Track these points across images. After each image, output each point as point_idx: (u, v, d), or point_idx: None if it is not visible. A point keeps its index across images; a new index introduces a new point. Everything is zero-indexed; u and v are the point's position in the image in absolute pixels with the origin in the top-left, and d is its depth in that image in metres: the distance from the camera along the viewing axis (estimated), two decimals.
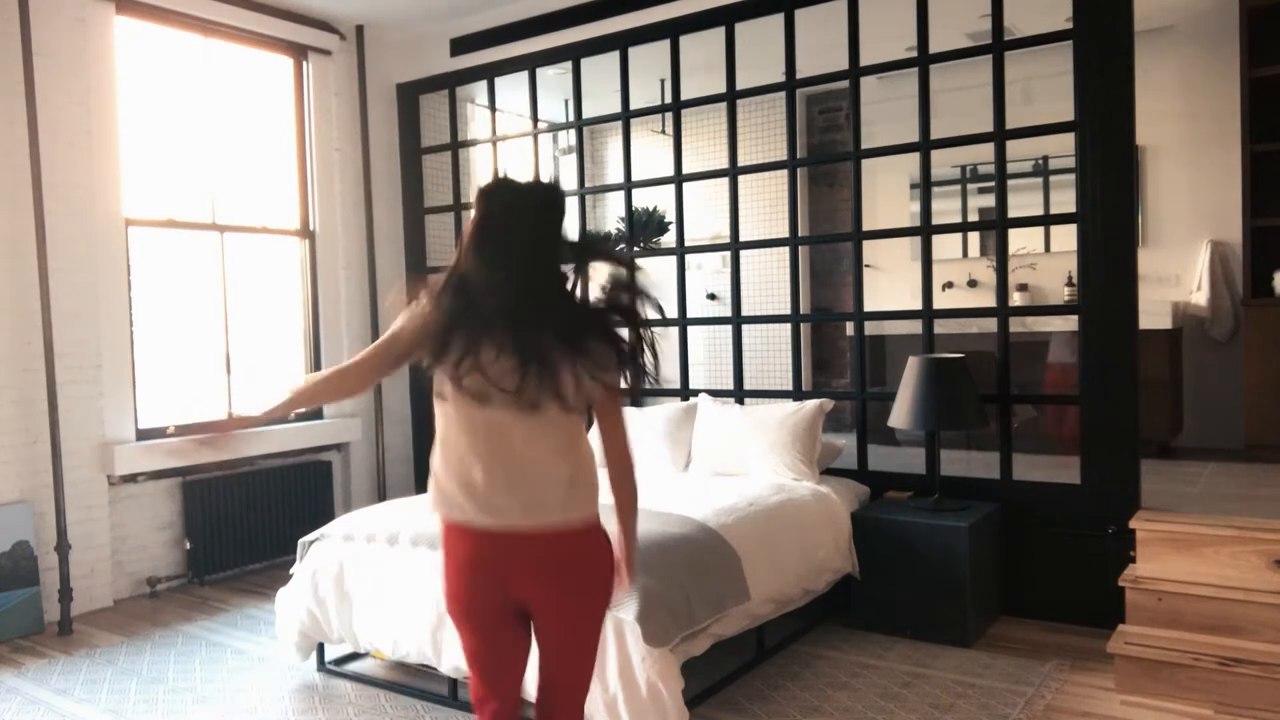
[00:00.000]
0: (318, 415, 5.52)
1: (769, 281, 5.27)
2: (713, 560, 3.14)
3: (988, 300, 5.61)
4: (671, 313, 4.82)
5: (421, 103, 5.82)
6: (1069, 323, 4.30)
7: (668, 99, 4.84)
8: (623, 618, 2.75)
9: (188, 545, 4.81)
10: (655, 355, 1.94)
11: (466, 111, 5.85)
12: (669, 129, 4.91)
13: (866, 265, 4.92)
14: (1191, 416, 5.28)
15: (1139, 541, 3.49)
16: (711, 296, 6.35)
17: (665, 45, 4.73)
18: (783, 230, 4.62)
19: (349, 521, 3.56)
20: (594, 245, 2.13)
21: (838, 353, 6.67)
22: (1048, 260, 5.68)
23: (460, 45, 5.54)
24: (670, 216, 5.32)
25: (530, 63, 5.24)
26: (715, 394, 4.63)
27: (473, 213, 1.93)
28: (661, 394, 4.98)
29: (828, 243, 6.57)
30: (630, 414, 4.64)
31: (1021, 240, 5.58)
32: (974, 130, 4.05)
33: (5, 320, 4.19)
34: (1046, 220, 5.00)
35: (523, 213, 1.89)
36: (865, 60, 4.24)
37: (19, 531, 4.15)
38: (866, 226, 4.38)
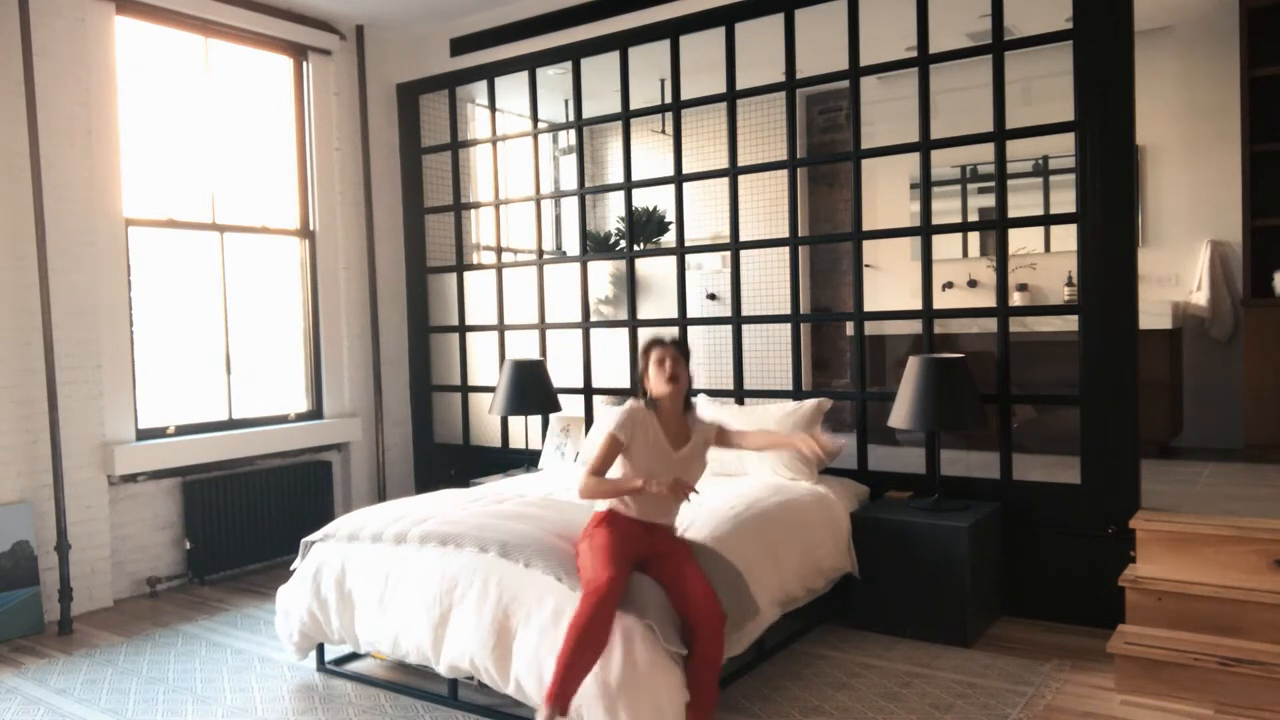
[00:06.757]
0: (318, 415, 5.52)
1: (769, 281, 5.27)
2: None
3: (988, 300, 5.61)
4: (673, 312, 4.81)
5: (421, 103, 5.82)
6: (1069, 322, 4.30)
7: (668, 99, 4.84)
8: (629, 619, 2.74)
9: (188, 545, 4.81)
10: None
11: (466, 111, 5.85)
12: (669, 129, 4.91)
13: (866, 265, 4.92)
14: (1191, 416, 5.27)
15: (1139, 541, 3.49)
16: (711, 296, 6.34)
17: (665, 45, 4.73)
18: (782, 230, 4.62)
19: (352, 521, 3.55)
20: None
21: (838, 353, 6.66)
22: (1048, 260, 5.68)
23: (460, 45, 5.54)
24: (670, 216, 5.33)
25: (530, 63, 5.25)
26: (715, 394, 4.63)
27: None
28: None
29: (828, 243, 6.56)
30: None
31: (1021, 240, 5.58)
32: (974, 130, 4.05)
33: (5, 320, 4.19)
34: (1046, 220, 4.99)
35: None
36: (865, 60, 4.24)
37: (19, 531, 4.15)
38: (866, 226, 4.38)
